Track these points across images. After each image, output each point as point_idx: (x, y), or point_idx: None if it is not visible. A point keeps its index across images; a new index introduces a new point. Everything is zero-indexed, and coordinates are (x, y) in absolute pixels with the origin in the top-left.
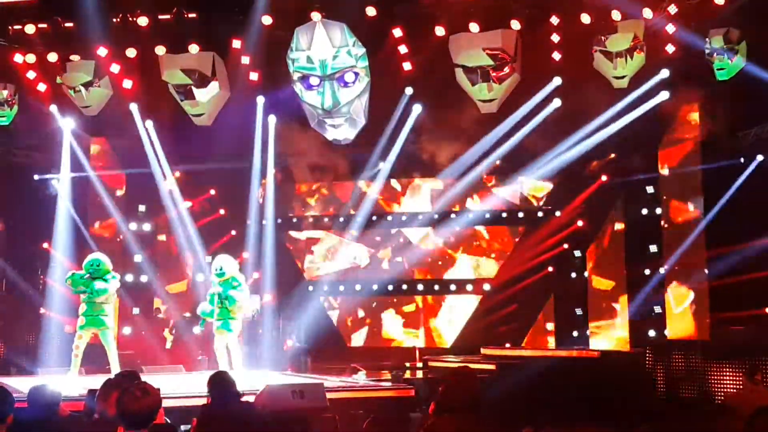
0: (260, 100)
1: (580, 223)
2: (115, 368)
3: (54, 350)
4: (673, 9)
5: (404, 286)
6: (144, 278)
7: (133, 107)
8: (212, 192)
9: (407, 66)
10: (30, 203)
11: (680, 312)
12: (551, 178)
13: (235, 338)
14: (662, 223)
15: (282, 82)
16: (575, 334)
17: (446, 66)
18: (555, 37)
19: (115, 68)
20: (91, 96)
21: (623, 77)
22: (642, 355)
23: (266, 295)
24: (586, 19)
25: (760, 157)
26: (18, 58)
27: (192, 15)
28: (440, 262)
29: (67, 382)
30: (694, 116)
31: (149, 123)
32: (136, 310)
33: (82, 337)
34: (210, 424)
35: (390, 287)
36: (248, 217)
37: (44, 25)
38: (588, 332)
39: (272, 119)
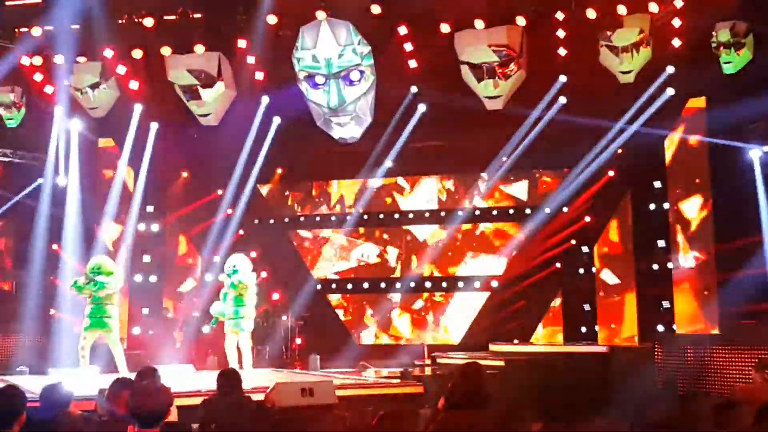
0: (264, 100)
1: (587, 218)
2: (122, 369)
3: (64, 350)
4: (679, 2)
5: (412, 284)
6: (153, 278)
7: (137, 109)
8: (219, 192)
9: (413, 63)
10: (38, 205)
11: (689, 307)
12: (558, 174)
13: (247, 337)
14: (670, 217)
15: (288, 81)
16: (584, 329)
17: (452, 63)
18: (561, 33)
19: (121, 69)
20: (98, 97)
21: (629, 72)
22: (650, 349)
23: (275, 294)
24: (591, 14)
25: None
26: (25, 60)
27: (197, 15)
28: (448, 260)
29: (76, 381)
30: (702, 110)
31: (154, 123)
32: (145, 310)
33: (87, 337)
34: (217, 421)
35: (398, 285)
36: (255, 216)
37: (50, 28)
38: (596, 327)
39: (276, 119)
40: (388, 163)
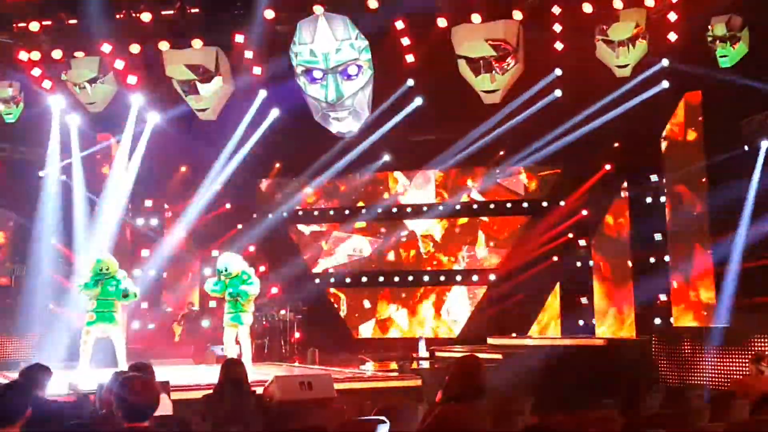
0: (261, 94)
1: (584, 212)
2: (122, 363)
3: (63, 346)
4: None
5: (410, 278)
6: (151, 272)
7: (136, 103)
8: (218, 186)
9: (410, 58)
10: (37, 200)
11: (685, 299)
12: (555, 167)
13: (246, 331)
14: (666, 211)
15: (285, 75)
16: (581, 322)
17: (449, 57)
18: (557, 27)
19: (119, 64)
20: (96, 92)
21: (626, 66)
22: (647, 342)
23: (273, 288)
24: (587, 8)
25: (765, 144)
26: (23, 55)
27: (195, 10)
28: (446, 253)
29: (78, 377)
30: (697, 104)
31: (153, 118)
32: (144, 305)
33: (91, 332)
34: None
35: (396, 279)
36: (254, 211)
37: (48, 22)
38: (593, 320)
39: (274, 112)
40: (386, 157)
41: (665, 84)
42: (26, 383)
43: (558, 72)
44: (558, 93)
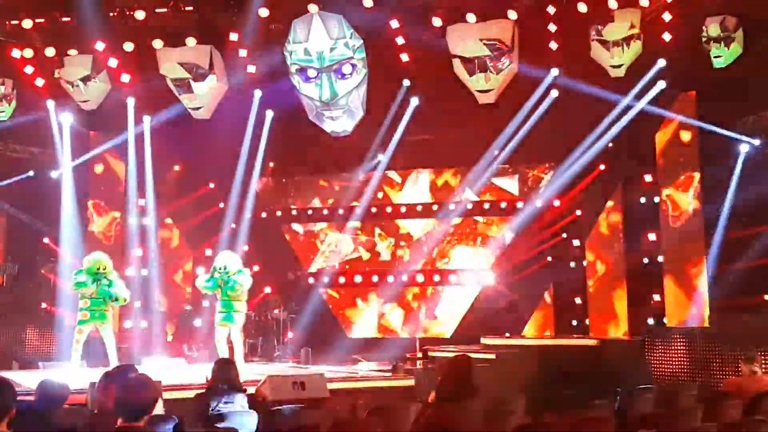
0: (257, 93)
1: (578, 212)
2: (114, 362)
3: (55, 344)
4: None
5: (404, 277)
6: (144, 272)
7: (130, 102)
8: (211, 185)
9: (405, 57)
10: (30, 198)
11: (679, 300)
12: (549, 167)
13: (238, 330)
14: (660, 211)
15: (280, 74)
16: (574, 322)
17: (444, 57)
18: (552, 27)
19: (112, 62)
20: (89, 90)
21: (620, 66)
22: (640, 342)
23: (267, 288)
24: (583, 8)
25: (756, 142)
26: (16, 53)
27: (189, 8)
28: (440, 253)
29: (68, 375)
30: (692, 104)
31: (146, 117)
32: (137, 304)
33: (83, 331)
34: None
35: (390, 278)
36: (247, 210)
37: (42, 20)
38: (587, 321)
39: (269, 113)
40: (380, 156)
41: (662, 84)
42: (12, 386)
43: (555, 72)
44: (554, 94)
